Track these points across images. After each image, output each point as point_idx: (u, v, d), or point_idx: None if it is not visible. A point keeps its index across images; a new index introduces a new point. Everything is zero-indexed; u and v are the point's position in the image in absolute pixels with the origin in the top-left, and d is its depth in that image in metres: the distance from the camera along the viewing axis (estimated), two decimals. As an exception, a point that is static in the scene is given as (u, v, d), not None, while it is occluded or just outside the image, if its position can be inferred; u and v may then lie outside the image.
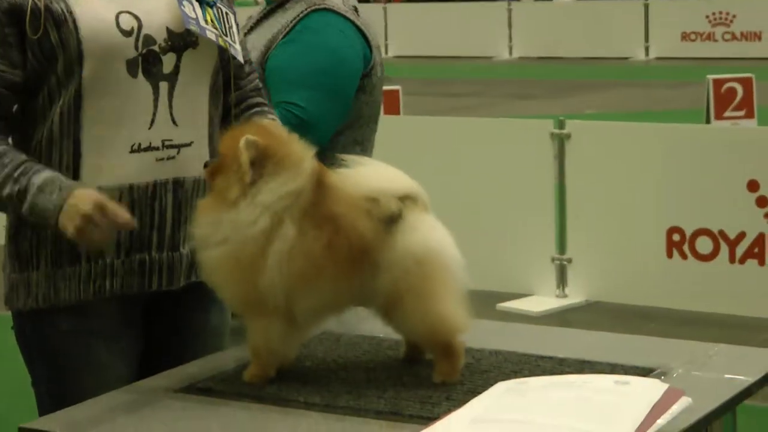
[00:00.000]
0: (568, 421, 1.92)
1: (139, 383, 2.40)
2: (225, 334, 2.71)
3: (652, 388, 2.06)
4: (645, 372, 2.28)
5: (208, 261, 2.29)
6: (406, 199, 2.25)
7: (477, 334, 2.54)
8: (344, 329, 2.56)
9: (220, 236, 2.25)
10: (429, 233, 2.26)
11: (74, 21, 2.43)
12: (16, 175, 2.39)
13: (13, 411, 3.95)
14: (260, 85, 2.74)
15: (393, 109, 8.81)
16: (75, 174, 2.46)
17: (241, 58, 2.62)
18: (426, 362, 2.35)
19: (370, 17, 3.24)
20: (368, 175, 2.28)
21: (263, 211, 2.23)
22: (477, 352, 2.43)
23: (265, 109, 2.70)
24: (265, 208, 2.23)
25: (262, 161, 2.24)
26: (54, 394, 2.52)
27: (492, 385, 2.17)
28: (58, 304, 2.50)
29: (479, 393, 2.13)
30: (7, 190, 2.39)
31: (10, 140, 2.48)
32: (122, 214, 2.34)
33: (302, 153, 2.28)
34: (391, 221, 2.23)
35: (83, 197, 2.34)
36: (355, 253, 2.22)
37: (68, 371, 2.52)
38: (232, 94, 2.63)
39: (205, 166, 2.37)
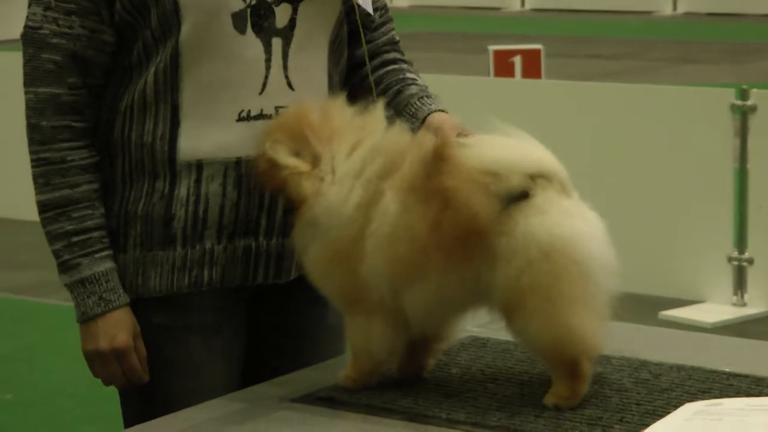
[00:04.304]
0: (774, 452, 1.91)
1: (249, 390, 2.44)
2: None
3: None
4: None
5: (310, 258, 2.35)
6: (538, 177, 2.21)
7: (652, 344, 2.53)
8: (491, 333, 2.57)
9: (318, 231, 2.30)
10: (561, 219, 2.19)
11: None
12: (74, 240, 2.49)
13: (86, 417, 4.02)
14: (396, 38, 2.74)
15: (533, 72, 8.77)
16: (171, 145, 2.50)
17: (369, 8, 2.63)
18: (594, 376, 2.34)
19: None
20: (495, 145, 2.25)
21: (352, 182, 2.29)
22: (655, 367, 2.41)
23: (403, 66, 2.70)
24: (352, 177, 2.29)
25: (303, 144, 2.33)
26: (143, 395, 2.56)
27: (676, 406, 2.16)
28: (147, 294, 2.54)
29: (661, 416, 2.13)
30: (57, 246, 2.50)
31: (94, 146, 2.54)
32: (138, 369, 2.50)
33: (344, 109, 2.37)
34: (513, 200, 2.19)
35: (110, 329, 2.49)
36: (466, 234, 2.19)
37: (160, 371, 2.55)
38: (364, 47, 2.63)
39: (287, 210, 2.44)
